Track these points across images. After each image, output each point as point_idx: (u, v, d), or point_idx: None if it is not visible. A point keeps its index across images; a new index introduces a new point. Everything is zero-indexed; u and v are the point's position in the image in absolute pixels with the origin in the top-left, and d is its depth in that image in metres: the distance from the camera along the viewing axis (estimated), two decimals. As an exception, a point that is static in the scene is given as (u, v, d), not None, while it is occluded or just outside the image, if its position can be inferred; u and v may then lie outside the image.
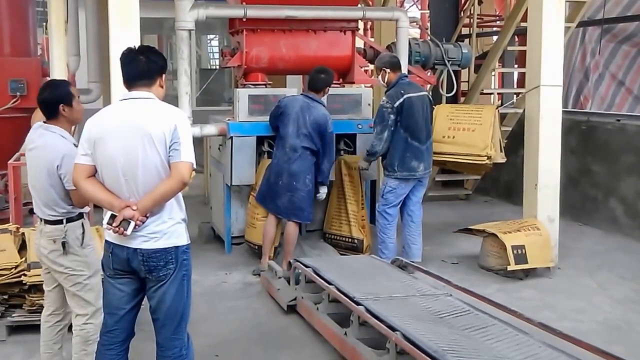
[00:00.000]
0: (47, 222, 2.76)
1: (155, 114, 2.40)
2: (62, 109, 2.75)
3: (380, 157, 4.68)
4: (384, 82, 4.61)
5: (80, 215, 2.79)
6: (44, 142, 2.76)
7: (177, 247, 2.44)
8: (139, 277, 2.47)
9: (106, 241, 2.49)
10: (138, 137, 2.36)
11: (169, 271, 2.43)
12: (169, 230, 2.42)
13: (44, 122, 2.82)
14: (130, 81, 2.45)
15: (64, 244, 2.71)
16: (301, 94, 4.54)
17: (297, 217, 4.53)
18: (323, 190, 4.60)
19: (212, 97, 9.69)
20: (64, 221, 2.73)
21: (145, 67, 2.44)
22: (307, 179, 4.48)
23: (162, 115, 2.39)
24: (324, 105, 4.52)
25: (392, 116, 4.46)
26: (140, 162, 2.36)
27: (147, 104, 2.43)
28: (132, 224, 2.34)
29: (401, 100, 4.46)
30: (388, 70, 4.58)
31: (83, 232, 2.77)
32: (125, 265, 2.44)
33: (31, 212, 3.16)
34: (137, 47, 2.53)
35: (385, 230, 4.64)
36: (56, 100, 2.75)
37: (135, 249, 2.40)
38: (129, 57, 2.46)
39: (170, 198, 2.41)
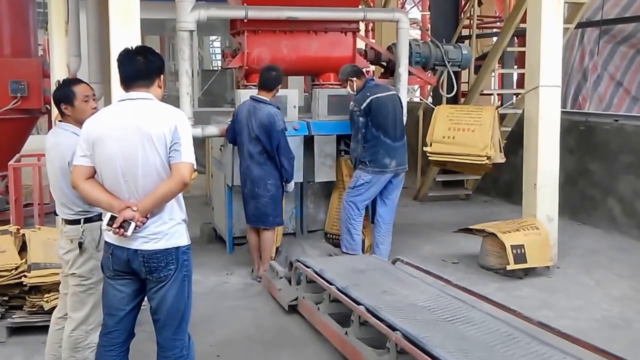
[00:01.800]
0: (67, 222, 2.76)
1: (155, 114, 2.39)
2: (64, 108, 2.77)
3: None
4: (353, 91, 4.73)
5: (100, 217, 2.75)
6: (56, 140, 2.78)
7: (177, 248, 2.44)
8: (139, 278, 2.47)
9: (106, 242, 2.48)
10: (138, 137, 2.35)
11: (169, 272, 2.43)
12: (169, 231, 2.43)
13: (59, 120, 2.85)
14: (129, 82, 2.44)
15: (80, 245, 2.70)
16: (250, 98, 4.47)
17: (263, 223, 4.47)
18: (289, 185, 4.50)
19: (213, 98, 9.71)
20: (82, 221, 2.72)
21: (143, 67, 2.43)
22: (269, 183, 4.38)
23: (162, 116, 2.38)
24: (272, 104, 4.38)
25: (361, 118, 4.59)
26: (140, 162, 2.36)
27: (147, 105, 2.42)
28: (133, 224, 2.34)
29: (368, 101, 4.59)
30: (354, 79, 4.72)
31: (100, 235, 2.73)
32: (126, 267, 2.44)
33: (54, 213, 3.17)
34: (134, 47, 2.52)
35: (351, 221, 4.68)
36: (57, 100, 2.80)
37: (136, 250, 2.40)
38: (127, 58, 2.45)
39: (170, 199, 2.41)
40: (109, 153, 2.38)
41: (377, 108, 4.60)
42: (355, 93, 4.71)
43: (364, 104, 4.59)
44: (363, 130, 4.59)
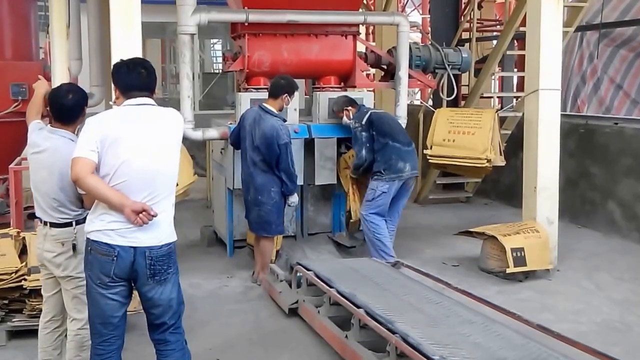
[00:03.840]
0: (54, 225, 2.75)
1: (170, 122, 2.53)
2: (85, 110, 2.81)
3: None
4: (349, 119, 4.80)
5: None
6: (54, 145, 2.76)
7: (174, 244, 2.52)
8: (130, 283, 2.49)
9: (108, 245, 2.41)
10: (163, 147, 2.46)
11: (168, 275, 2.48)
12: (172, 227, 2.52)
13: (52, 125, 2.82)
14: (131, 91, 2.50)
15: (74, 246, 2.71)
16: (258, 106, 4.46)
17: (265, 231, 4.44)
18: (292, 200, 4.45)
19: (214, 100, 9.72)
20: (74, 223, 2.73)
21: (146, 80, 2.53)
22: (273, 191, 4.34)
23: (174, 123, 2.55)
24: (277, 116, 4.34)
25: (364, 133, 4.67)
26: (162, 170, 2.45)
27: (158, 112, 2.53)
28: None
29: (367, 116, 4.73)
30: (349, 108, 4.82)
31: None
32: (128, 271, 2.43)
33: (31, 216, 3.15)
34: (135, 59, 2.61)
35: (379, 232, 4.70)
36: (81, 103, 2.81)
37: (144, 250, 2.41)
38: (128, 68, 2.52)
39: None
40: (130, 158, 2.39)
41: (377, 119, 4.74)
42: (350, 121, 4.78)
43: (365, 119, 4.70)
44: (367, 145, 4.65)
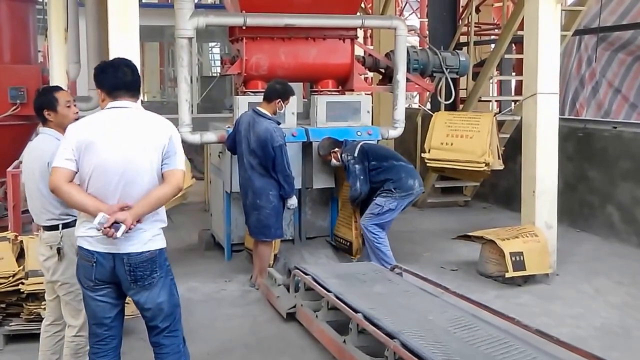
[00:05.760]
0: (45, 228, 2.76)
1: (153, 124, 2.47)
2: (47, 114, 2.80)
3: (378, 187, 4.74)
4: (338, 161, 4.78)
5: None
6: (34, 145, 2.81)
7: (161, 250, 2.48)
8: (119, 286, 2.47)
9: (87, 251, 2.42)
10: (139, 146, 2.39)
11: (153, 280, 2.45)
12: (156, 233, 2.47)
13: (40, 127, 2.88)
14: (115, 91, 2.46)
15: (59, 250, 2.70)
16: (252, 110, 4.48)
17: (265, 235, 4.44)
18: (291, 202, 4.46)
19: (212, 104, 9.73)
20: (60, 227, 2.72)
21: (131, 79, 2.49)
22: (271, 195, 4.34)
23: (158, 126, 2.47)
24: (271, 119, 4.34)
25: (357, 166, 4.63)
26: (141, 170, 2.39)
27: (141, 115, 2.48)
28: (124, 227, 2.31)
29: (358, 147, 4.71)
30: (336, 149, 4.79)
31: None
32: (109, 276, 2.43)
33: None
34: (117, 59, 2.58)
35: (379, 241, 4.68)
36: (39, 106, 2.83)
37: (122, 257, 2.39)
38: (113, 68, 2.49)
39: (164, 203, 2.45)
40: (104, 159, 2.37)
41: (370, 148, 4.75)
42: (339, 162, 4.76)
43: (356, 150, 4.68)
44: (362, 177, 4.63)
